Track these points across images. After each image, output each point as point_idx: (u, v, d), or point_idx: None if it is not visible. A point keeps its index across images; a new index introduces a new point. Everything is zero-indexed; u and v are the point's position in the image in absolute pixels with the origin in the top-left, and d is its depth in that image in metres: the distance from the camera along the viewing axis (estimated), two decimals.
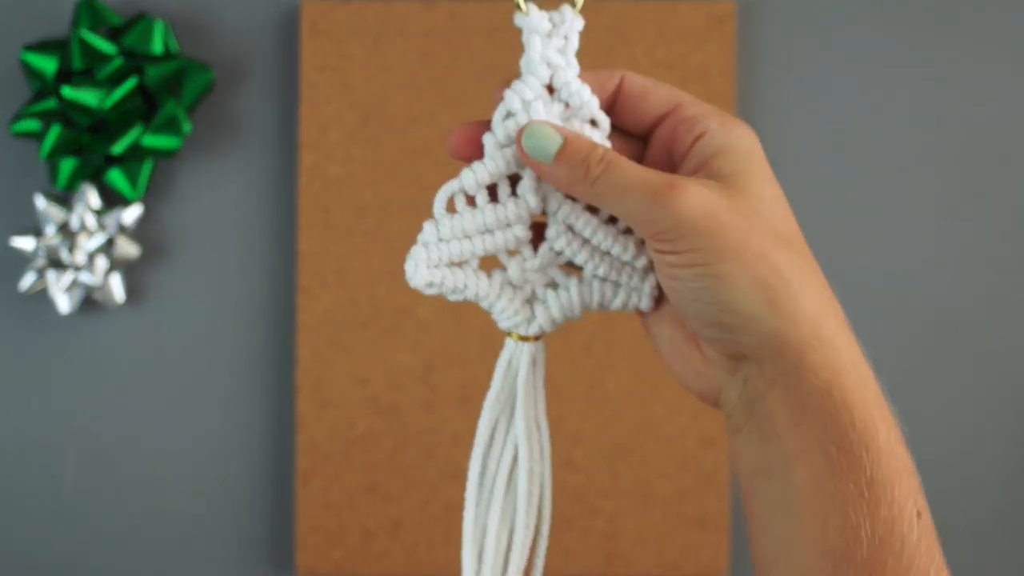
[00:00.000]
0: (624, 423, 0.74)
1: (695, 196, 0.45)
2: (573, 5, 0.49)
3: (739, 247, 0.45)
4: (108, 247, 0.73)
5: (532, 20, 0.48)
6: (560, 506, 0.74)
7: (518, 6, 0.48)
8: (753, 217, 0.46)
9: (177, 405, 0.75)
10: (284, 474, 0.75)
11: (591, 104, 0.48)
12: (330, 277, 0.74)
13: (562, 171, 0.47)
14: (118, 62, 0.71)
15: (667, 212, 0.45)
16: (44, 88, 0.71)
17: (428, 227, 0.48)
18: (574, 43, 0.49)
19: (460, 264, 0.49)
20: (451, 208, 0.49)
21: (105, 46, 0.71)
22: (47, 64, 0.71)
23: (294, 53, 0.75)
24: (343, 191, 0.73)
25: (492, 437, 0.50)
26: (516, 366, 0.51)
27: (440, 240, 0.49)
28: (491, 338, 0.73)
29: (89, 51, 0.71)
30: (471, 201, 0.49)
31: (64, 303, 0.72)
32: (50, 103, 0.71)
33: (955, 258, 0.76)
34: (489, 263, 0.50)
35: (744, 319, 0.45)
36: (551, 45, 0.49)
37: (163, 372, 0.75)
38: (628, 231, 0.49)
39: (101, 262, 0.72)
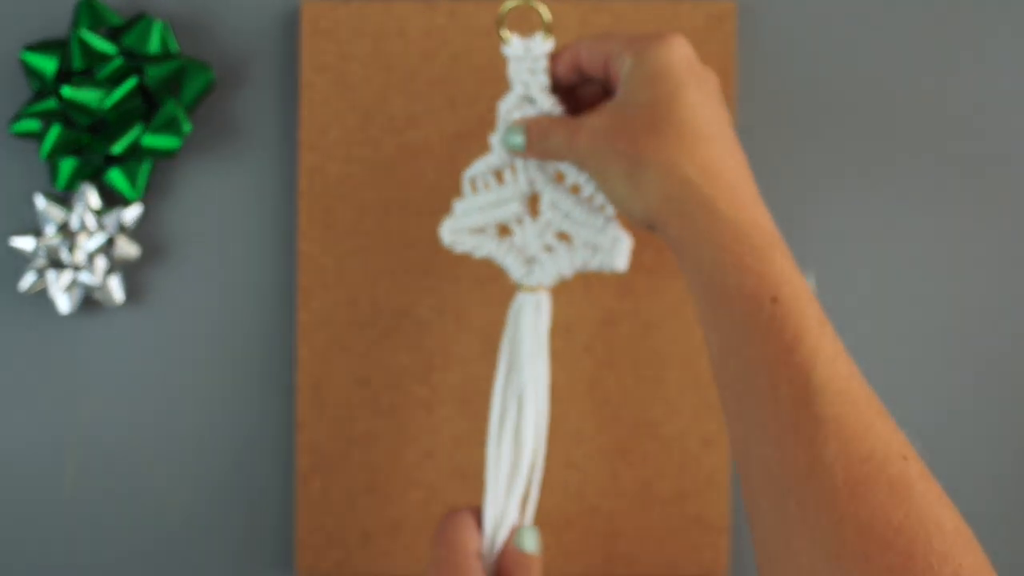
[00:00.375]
0: (624, 423, 0.74)
1: (584, 129, 0.60)
2: (546, 32, 0.65)
3: (611, 153, 0.58)
4: (108, 247, 0.73)
5: (512, 49, 0.65)
6: (560, 506, 0.74)
7: (501, 39, 0.65)
8: (622, 122, 0.58)
9: (176, 405, 0.75)
10: (284, 474, 0.76)
11: (555, 110, 0.65)
12: (330, 277, 0.74)
13: (532, 152, 0.63)
14: (118, 62, 0.71)
15: (577, 151, 0.60)
16: (44, 88, 0.71)
17: (456, 203, 0.67)
18: (543, 63, 0.65)
19: (481, 230, 0.67)
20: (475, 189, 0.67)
21: (105, 46, 0.71)
22: (47, 64, 0.71)
23: (294, 53, 0.75)
24: (343, 191, 0.74)
25: (509, 370, 0.66)
26: (522, 310, 0.66)
27: (464, 212, 0.67)
28: (491, 339, 0.73)
29: (89, 51, 0.71)
30: (486, 184, 0.67)
31: (64, 303, 0.73)
32: (50, 103, 0.71)
33: (956, 258, 0.76)
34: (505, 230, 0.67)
35: (628, 207, 0.58)
36: (525, 67, 0.65)
37: (163, 372, 0.75)
38: (601, 208, 0.64)
39: (101, 262, 0.72)
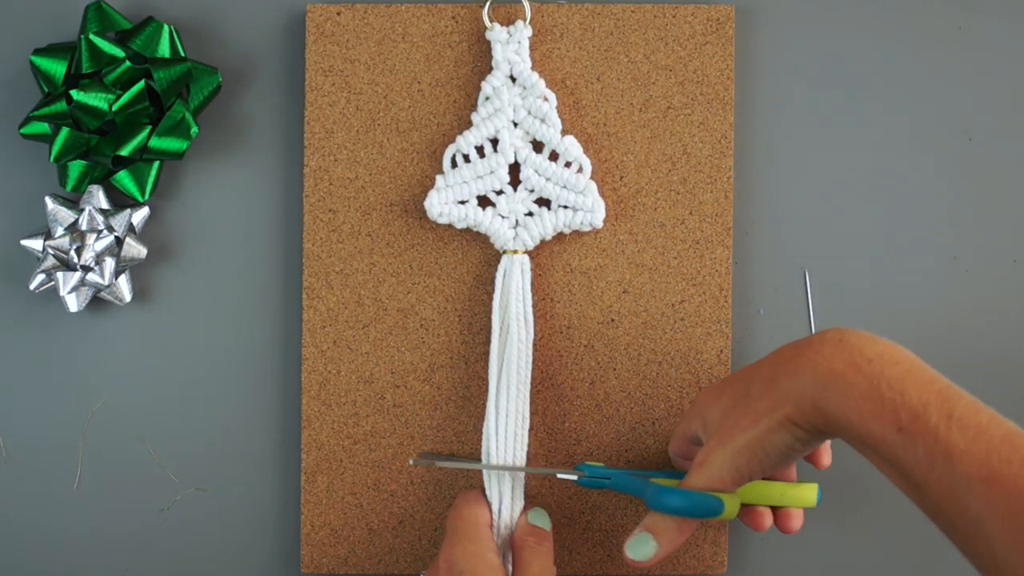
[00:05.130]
0: (624, 422, 0.75)
1: (708, 464, 0.63)
2: (525, 20, 0.72)
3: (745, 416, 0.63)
4: (116, 248, 0.73)
5: (495, 33, 0.72)
6: (562, 504, 0.75)
7: (486, 25, 0.73)
8: (732, 413, 0.64)
9: (183, 403, 0.76)
10: (289, 471, 0.76)
11: (539, 84, 0.72)
12: (335, 277, 0.75)
13: (670, 549, 0.65)
14: (126, 65, 0.72)
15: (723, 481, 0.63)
16: (53, 91, 0.72)
17: (439, 177, 0.72)
18: (526, 46, 0.72)
19: (464, 202, 0.72)
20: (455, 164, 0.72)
21: (113, 50, 0.71)
22: (56, 67, 0.72)
23: (300, 56, 0.76)
24: (348, 192, 0.74)
25: (501, 324, 0.72)
26: (509, 273, 0.72)
27: (447, 186, 0.72)
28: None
29: (97, 55, 0.71)
30: (467, 158, 0.72)
31: (73, 302, 0.73)
32: (59, 106, 0.71)
33: (954, 260, 0.77)
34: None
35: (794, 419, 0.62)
36: (510, 49, 0.72)
37: (170, 370, 0.76)
38: (579, 170, 0.72)
39: (109, 262, 0.73)
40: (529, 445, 0.74)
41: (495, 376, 0.72)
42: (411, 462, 0.72)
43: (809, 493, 0.70)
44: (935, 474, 0.54)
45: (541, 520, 0.71)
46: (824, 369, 0.58)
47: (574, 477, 0.71)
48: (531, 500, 0.74)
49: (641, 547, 0.64)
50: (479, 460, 0.72)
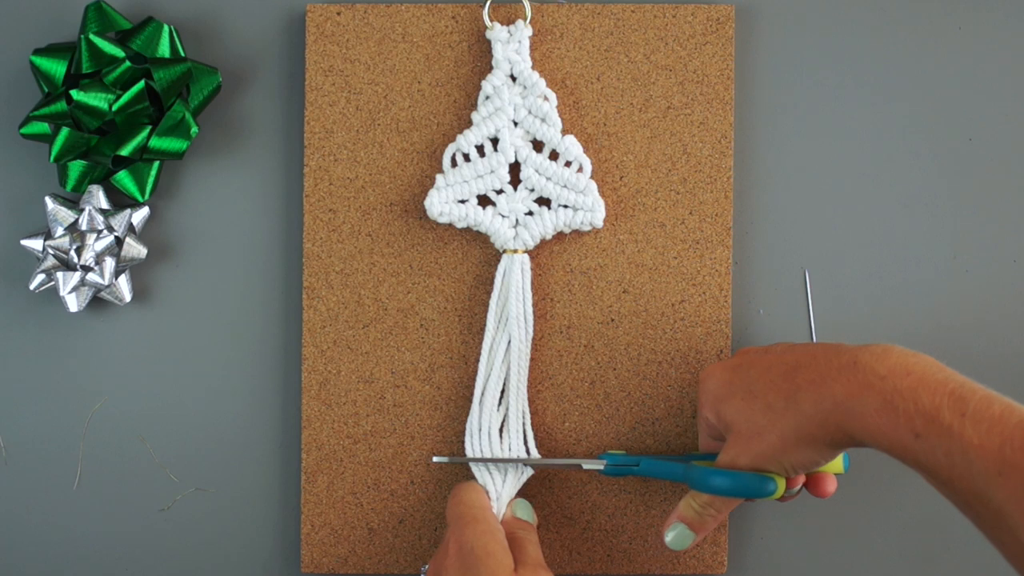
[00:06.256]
0: (625, 422, 0.75)
1: (741, 460, 0.65)
2: (525, 19, 0.72)
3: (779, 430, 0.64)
4: (116, 247, 0.73)
5: (496, 32, 0.72)
6: (562, 503, 0.75)
7: (486, 25, 0.72)
8: (752, 415, 0.65)
9: (183, 403, 0.76)
10: (289, 472, 0.76)
11: (540, 83, 0.72)
12: (335, 277, 0.75)
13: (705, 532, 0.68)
14: (126, 65, 0.72)
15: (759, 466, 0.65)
16: (53, 91, 0.72)
17: (439, 177, 0.72)
18: (526, 45, 0.72)
19: (464, 201, 0.72)
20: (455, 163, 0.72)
21: (113, 50, 0.71)
22: (56, 67, 0.72)
23: (300, 56, 0.76)
24: (348, 192, 0.74)
25: (498, 323, 0.73)
26: (509, 272, 0.72)
27: (447, 185, 0.72)
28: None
29: (98, 55, 0.71)
30: (467, 158, 0.72)
31: (73, 303, 0.73)
32: (59, 106, 0.71)
33: (954, 260, 0.77)
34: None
35: (820, 435, 0.63)
36: (510, 48, 0.72)
37: (169, 370, 0.76)
38: (579, 169, 0.72)
39: (109, 262, 0.73)
40: (526, 441, 0.74)
41: (483, 375, 0.73)
42: (434, 459, 0.73)
43: (835, 460, 0.70)
44: (956, 472, 0.55)
45: (525, 513, 0.72)
46: (842, 395, 0.60)
47: (600, 467, 0.71)
48: (531, 499, 0.74)
49: (678, 536, 0.67)
50: (496, 457, 0.73)
